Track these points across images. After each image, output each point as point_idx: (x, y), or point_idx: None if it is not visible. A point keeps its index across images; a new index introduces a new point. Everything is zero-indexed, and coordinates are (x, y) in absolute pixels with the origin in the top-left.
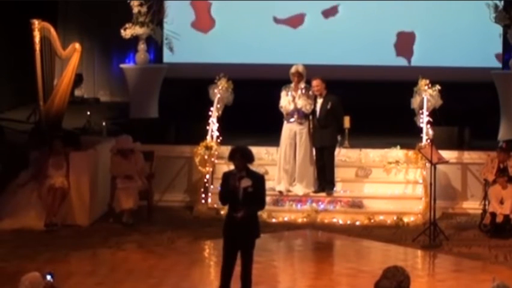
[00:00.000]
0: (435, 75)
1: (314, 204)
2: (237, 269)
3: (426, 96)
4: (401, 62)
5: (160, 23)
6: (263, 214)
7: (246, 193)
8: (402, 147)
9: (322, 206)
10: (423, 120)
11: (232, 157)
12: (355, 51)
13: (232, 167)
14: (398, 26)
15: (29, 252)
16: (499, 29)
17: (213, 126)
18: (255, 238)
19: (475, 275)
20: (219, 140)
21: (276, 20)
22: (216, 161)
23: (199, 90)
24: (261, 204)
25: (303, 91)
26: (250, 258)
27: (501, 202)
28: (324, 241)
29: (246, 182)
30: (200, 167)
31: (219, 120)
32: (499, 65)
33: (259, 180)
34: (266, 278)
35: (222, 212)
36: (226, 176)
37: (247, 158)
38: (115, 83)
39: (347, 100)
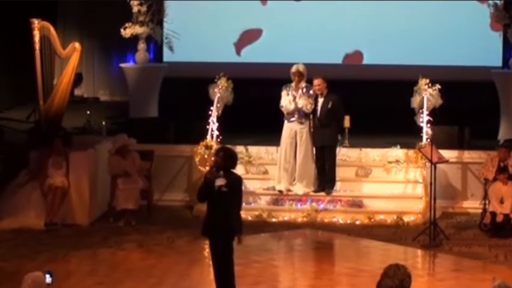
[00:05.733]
0: (435, 74)
1: (314, 204)
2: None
3: (426, 96)
4: (401, 60)
5: (160, 22)
6: (263, 214)
7: (219, 192)
8: (402, 146)
9: (322, 206)
10: (423, 119)
11: (216, 154)
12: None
13: None
14: (398, 24)
15: (28, 252)
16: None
17: (213, 125)
18: (232, 237)
19: (475, 274)
20: (218, 140)
21: None
22: None
23: (199, 89)
24: (239, 206)
25: (304, 90)
26: (230, 256)
27: (501, 201)
28: (324, 240)
29: (220, 181)
30: (200, 167)
31: (218, 119)
32: (499, 64)
33: (235, 181)
34: (266, 277)
35: None
36: (206, 173)
37: (229, 161)
38: (115, 83)
39: (347, 99)
